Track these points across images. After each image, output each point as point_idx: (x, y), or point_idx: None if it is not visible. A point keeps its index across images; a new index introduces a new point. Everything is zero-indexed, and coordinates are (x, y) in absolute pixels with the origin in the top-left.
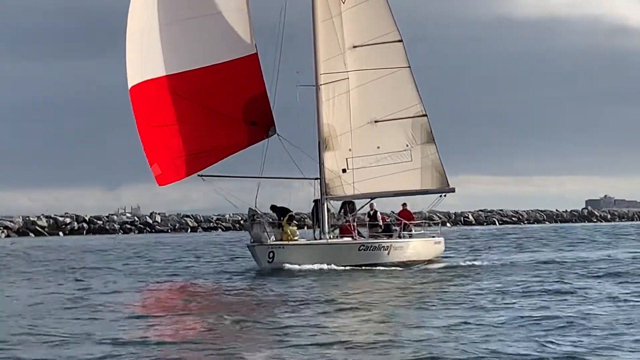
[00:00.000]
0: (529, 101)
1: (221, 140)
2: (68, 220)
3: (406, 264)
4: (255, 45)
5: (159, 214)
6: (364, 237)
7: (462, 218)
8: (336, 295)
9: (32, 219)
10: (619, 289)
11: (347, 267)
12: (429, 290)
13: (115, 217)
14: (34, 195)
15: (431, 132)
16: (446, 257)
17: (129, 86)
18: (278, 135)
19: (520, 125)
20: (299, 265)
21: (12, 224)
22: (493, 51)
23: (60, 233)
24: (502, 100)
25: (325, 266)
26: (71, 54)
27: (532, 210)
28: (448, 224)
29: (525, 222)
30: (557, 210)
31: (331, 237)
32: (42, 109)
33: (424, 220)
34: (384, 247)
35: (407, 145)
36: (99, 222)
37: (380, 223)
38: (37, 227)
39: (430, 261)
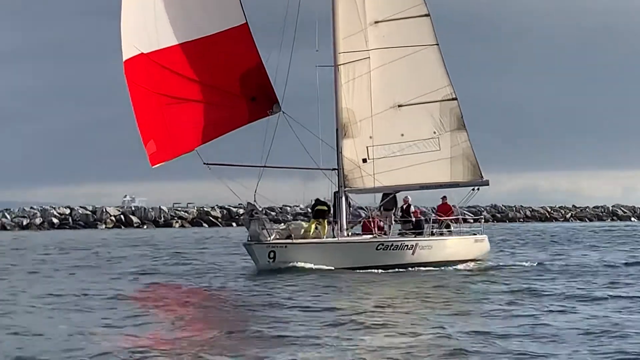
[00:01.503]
0: None
1: (220, 115)
2: (241, 211)
3: (439, 265)
4: (244, 15)
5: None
6: (387, 235)
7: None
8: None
9: (206, 209)
10: None
11: (363, 269)
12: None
13: (288, 207)
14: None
15: (462, 117)
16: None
17: (123, 59)
18: (284, 113)
19: None
20: (305, 266)
21: (187, 214)
22: None
23: (234, 223)
24: None
25: (334, 267)
26: None
27: None
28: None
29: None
30: None
31: (350, 234)
32: None
33: (463, 216)
34: (407, 246)
35: (434, 133)
36: (272, 212)
37: (413, 219)
38: (210, 218)
39: (473, 262)
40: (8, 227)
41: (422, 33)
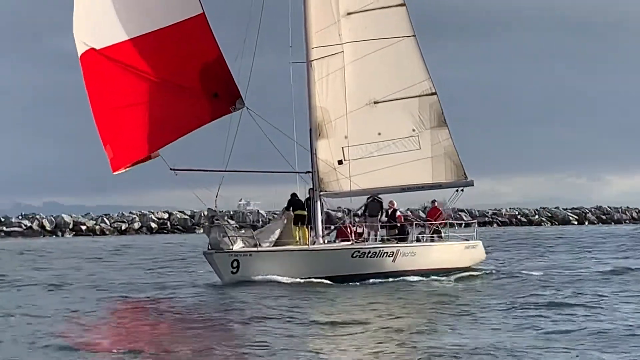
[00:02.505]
0: None
1: (180, 114)
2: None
3: (424, 274)
4: (201, 5)
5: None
6: (367, 241)
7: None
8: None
9: None
10: None
11: (339, 279)
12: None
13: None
14: None
15: (442, 113)
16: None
17: (78, 54)
18: (248, 109)
19: None
20: (272, 277)
21: None
22: None
23: None
24: None
25: (306, 278)
26: None
27: None
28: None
29: None
30: None
31: (325, 241)
32: None
33: (456, 220)
34: (387, 252)
35: (413, 130)
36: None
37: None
38: None
39: (466, 270)
40: (107, 232)
41: (398, 24)
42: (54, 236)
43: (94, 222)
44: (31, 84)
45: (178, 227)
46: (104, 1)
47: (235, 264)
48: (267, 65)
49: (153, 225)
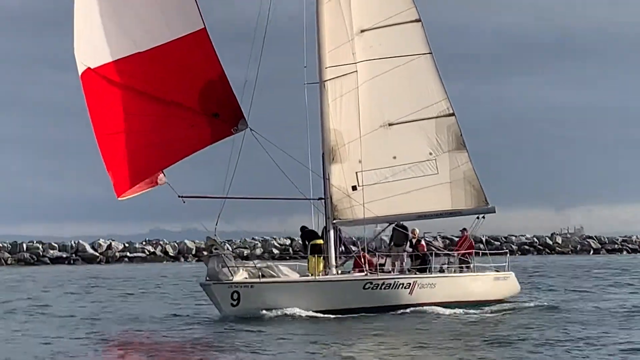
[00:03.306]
0: None
1: (179, 136)
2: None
3: (449, 306)
4: (202, 20)
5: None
6: (388, 272)
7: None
8: None
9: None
10: None
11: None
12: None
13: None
14: None
15: (461, 135)
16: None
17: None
18: (251, 130)
19: None
20: (279, 310)
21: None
22: None
23: None
24: None
25: (314, 310)
26: None
27: None
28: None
29: None
30: None
31: (339, 272)
32: None
33: (489, 250)
34: (403, 284)
35: (430, 154)
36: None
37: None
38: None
39: (499, 302)
40: None
41: (413, 41)
42: (177, 261)
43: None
44: None
45: (300, 253)
46: (101, 18)
47: (235, 295)
48: (281, 87)
49: (275, 251)
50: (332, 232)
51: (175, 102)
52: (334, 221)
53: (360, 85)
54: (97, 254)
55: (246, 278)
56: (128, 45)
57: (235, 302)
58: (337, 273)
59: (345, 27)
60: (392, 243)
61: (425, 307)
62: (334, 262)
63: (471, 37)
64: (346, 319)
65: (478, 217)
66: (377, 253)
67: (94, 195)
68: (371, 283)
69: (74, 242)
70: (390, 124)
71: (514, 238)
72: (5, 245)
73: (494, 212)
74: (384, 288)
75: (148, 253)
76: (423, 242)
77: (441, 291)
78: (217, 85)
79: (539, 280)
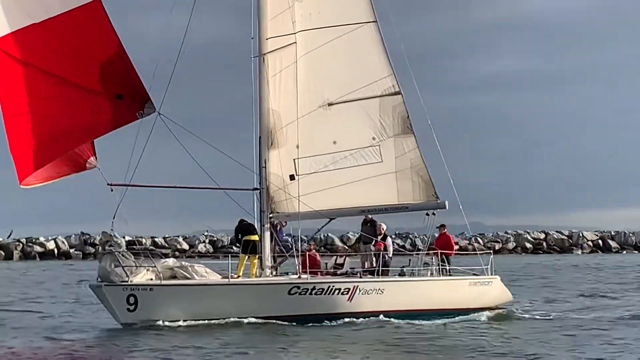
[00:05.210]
0: None
1: (80, 119)
2: None
3: (406, 317)
4: None
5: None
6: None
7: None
8: None
9: None
10: None
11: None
12: None
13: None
14: None
15: (408, 117)
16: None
17: None
18: (159, 114)
19: None
20: (182, 319)
21: None
22: None
23: None
24: None
25: (227, 318)
26: None
27: None
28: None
29: None
30: None
31: (274, 273)
32: None
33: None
34: (340, 289)
35: (374, 139)
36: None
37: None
38: None
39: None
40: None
41: (357, 8)
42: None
43: (467, 242)
44: None
45: (554, 247)
46: None
47: (132, 300)
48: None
49: (528, 245)
50: (267, 227)
51: (76, 81)
52: (271, 215)
53: (299, 59)
54: None
55: (151, 280)
56: (22, 17)
57: (132, 307)
58: (271, 275)
59: None
60: (361, 240)
61: (369, 317)
62: (268, 263)
63: None
64: (260, 328)
65: (428, 214)
66: (337, 252)
67: None
68: (298, 287)
69: None
70: (330, 104)
71: None
72: None
73: (445, 207)
74: (315, 294)
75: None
76: (388, 240)
77: (392, 298)
78: (117, 63)
79: None
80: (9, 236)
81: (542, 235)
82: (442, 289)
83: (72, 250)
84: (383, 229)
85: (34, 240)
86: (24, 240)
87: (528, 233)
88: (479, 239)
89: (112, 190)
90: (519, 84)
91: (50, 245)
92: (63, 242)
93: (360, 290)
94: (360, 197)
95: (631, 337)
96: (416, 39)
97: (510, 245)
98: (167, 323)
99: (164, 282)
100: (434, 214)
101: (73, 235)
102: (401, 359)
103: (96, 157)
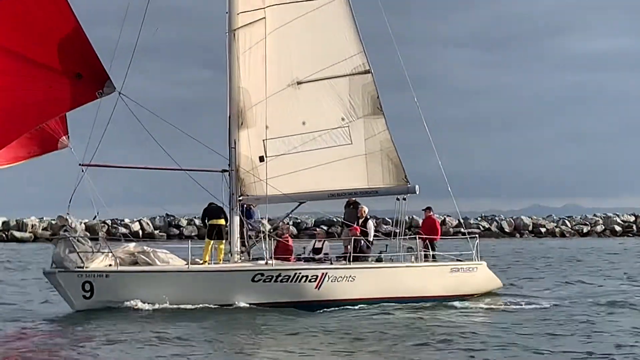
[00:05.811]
0: None
1: (36, 98)
2: None
3: (382, 304)
4: None
5: None
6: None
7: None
8: None
9: None
10: None
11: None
12: None
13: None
14: None
15: (378, 97)
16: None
17: None
18: (121, 94)
19: None
20: (144, 304)
21: None
22: None
23: None
24: None
25: (188, 305)
26: None
27: None
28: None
29: None
30: None
31: (242, 258)
32: None
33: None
34: (307, 276)
35: (343, 120)
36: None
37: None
38: None
39: (463, 298)
40: (567, 235)
41: None
42: (512, 237)
43: (555, 224)
44: None
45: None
46: None
47: (88, 286)
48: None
49: (617, 228)
50: (236, 211)
51: (30, 58)
52: (240, 198)
53: (268, 35)
54: None
55: (109, 265)
56: None
57: (88, 295)
58: (239, 260)
59: None
60: (344, 224)
61: (338, 305)
62: (236, 248)
63: None
64: (218, 314)
65: (398, 199)
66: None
67: None
68: (262, 274)
69: None
70: (299, 82)
71: None
72: None
73: (415, 192)
74: (281, 281)
75: (483, 229)
76: (369, 223)
77: (365, 286)
78: (74, 41)
79: None
80: (94, 218)
81: (632, 218)
82: (419, 275)
83: (156, 232)
84: (365, 212)
85: (119, 221)
86: (109, 222)
87: (617, 216)
88: (566, 221)
89: (83, 170)
90: (622, 64)
91: (135, 226)
92: (148, 224)
93: (329, 277)
94: (330, 181)
95: None
96: None
97: (599, 228)
98: (124, 310)
99: (121, 268)
100: (404, 199)
101: (158, 217)
102: (371, 347)
103: (68, 137)
